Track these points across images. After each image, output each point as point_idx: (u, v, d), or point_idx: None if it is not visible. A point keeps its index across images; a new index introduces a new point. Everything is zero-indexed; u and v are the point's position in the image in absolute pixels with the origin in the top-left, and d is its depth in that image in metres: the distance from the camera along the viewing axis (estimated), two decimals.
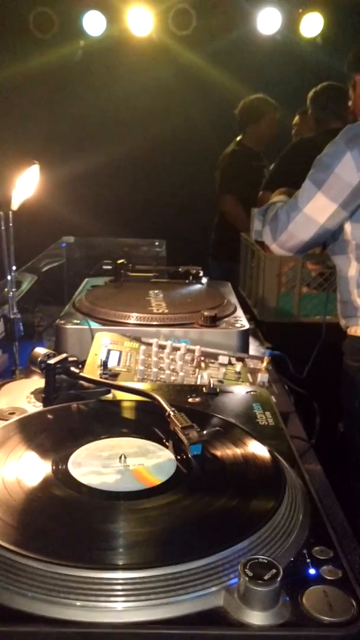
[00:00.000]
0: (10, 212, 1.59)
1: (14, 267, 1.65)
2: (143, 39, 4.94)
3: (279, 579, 0.67)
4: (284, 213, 1.96)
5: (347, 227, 1.93)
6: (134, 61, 5.08)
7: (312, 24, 4.97)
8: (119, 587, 0.68)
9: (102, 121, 5.23)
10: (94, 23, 4.86)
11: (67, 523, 0.79)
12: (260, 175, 4.25)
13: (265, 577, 0.67)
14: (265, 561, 0.69)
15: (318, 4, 4.97)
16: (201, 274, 2.31)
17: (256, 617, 0.66)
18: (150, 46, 5.00)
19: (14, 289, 1.63)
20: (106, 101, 5.16)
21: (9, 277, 1.64)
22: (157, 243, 3.15)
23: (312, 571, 0.73)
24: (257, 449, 0.97)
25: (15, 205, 1.58)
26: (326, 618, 0.66)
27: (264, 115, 4.14)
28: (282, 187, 2.36)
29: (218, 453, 0.96)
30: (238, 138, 4.27)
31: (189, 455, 0.94)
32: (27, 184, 1.61)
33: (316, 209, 1.89)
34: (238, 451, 0.96)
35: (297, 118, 4.09)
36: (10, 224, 1.60)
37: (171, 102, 5.16)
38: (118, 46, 5.02)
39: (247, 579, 0.67)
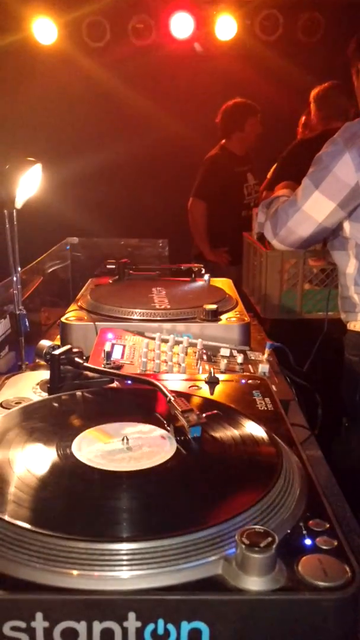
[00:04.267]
0: (14, 211, 1.62)
1: (18, 266, 1.69)
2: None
3: (274, 547, 0.70)
4: (284, 210, 1.99)
5: (346, 225, 1.95)
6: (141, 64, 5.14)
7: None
8: (124, 557, 0.71)
9: (105, 123, 5.28)
10: None
11: (74, 500, 0.83)
12: (243, 179, 4.25)
13: (262, 545, 0.70)
14: (262, 530, 0.72)
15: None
16: (203, 271, 2.34)
17: (253, 583, 0.69)
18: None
19: (19, 286, 1.67)
20: (109, 103, 5.22)
21: (14, 275, 1.67)
22: (160, 243, 3.17)
23: (307, 542, 0.76)
24: (254, 429, 1.00)
25: (18, 203, 1.61)
26: (321, 583, 0.69)
27: (247, 120, 4.12)
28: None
29: (216, 434, 0.99)
30: (222, 142, 4.26)
31: (189, 437, 0.97)
32: (30, 182, 1.64)
33: (314, 208, 1.91)
34: (236, 432, 0.99)
35: (303, 118, 4.10)
36: (15, 222, 1.63)
37: (173, 104, 5.21)
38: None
39: (243, 546, 0.69)
